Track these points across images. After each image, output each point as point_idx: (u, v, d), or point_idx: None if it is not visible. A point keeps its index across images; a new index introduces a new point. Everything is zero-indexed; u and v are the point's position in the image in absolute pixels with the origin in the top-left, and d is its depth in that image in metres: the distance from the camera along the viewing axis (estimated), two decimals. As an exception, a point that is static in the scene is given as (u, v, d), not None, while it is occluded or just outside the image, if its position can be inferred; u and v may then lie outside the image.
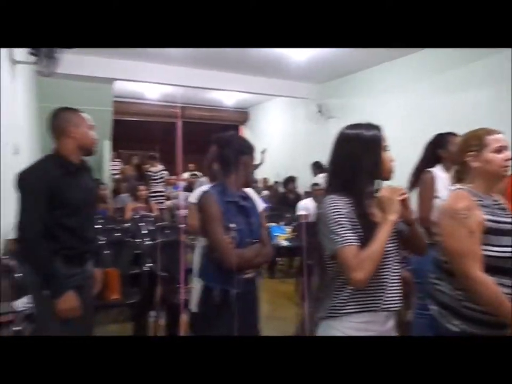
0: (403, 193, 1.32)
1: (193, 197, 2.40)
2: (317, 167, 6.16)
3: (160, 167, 6.86)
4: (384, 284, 1.32)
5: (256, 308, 1.89)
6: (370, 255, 1.23)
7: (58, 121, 1.95)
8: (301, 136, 8.00)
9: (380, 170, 1.35)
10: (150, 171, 6.77)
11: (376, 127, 1.39)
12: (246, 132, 10.73)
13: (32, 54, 3.38)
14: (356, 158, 1.34)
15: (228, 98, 9.15)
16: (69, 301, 1.80)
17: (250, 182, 1.96)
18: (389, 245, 1.31)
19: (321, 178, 5.51)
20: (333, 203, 1.31)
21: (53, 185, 1.82)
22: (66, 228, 1.89)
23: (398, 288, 1.34)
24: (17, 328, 1.88)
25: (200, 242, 2.35)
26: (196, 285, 2.33)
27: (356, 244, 1.26)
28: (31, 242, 1.80)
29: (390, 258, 1.34)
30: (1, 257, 2.78)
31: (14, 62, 3.54)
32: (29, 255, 1.83)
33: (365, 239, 1.27)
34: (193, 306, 2.34)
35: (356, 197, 1.32)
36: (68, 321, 1.82)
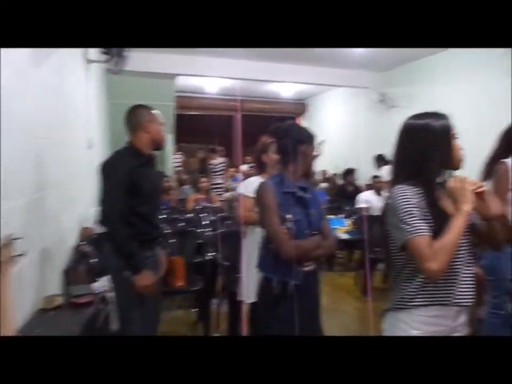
0: (480, 186, 1.26)
1: (243, 188, 2.44)
2: (380, 160, 6.01)
3: (220, 159, 7.03)
4: (456, 277, 1.28)
5: (316, 301, 1.86)
6: (445, 245, 1.20)
7: (135, 117, 2.10)
8: (361, 127, 7.79)
9: (451, 160, 1.31)
10: (211, 163, 6.96)
11: (444, 116, 1.35)
12: (304, 124, 10.66)
13: (104, 53, 3.59)
14: (425, 148, 1.30)
15: (286, 90, 9.11)
16: (147, 278, 1.97)
17: (311, 172, 1.92)
18: (462, 238, 1.26)
19: (382, 171, 5.38)
20: (402, 193, 1.28)
21: (131, 175, 1.97)
22: (140, 215, 2.03)
23: (470, 282, 1.29)
24: (96, 309, 2.02)
25: (252, 233, 2.39)
26: (248, 275, 2.38)
27: (428, 234, 1.22)
28: (114, 226, 1.95)
29: (463, 251, 1.29)
30: (79, 244, 3.00)
31: (88, 61, 3.78)
32: (112, 237, 1.99)
33: (436, 229, 1.23)
34: (245, 296, 2.40)
35: (426, 186, 1.29)
36: (143, 301, 1.98)
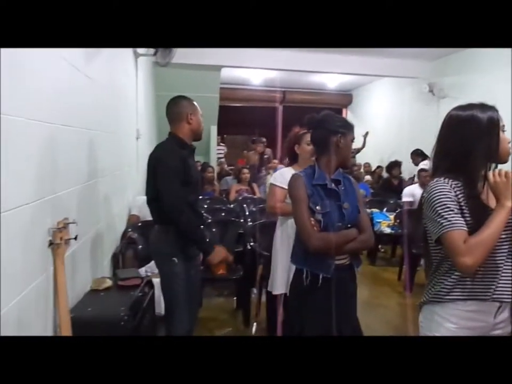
0: None
1: (274, 179, 2.43)
2: (417, 155, 5.89)
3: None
4: (497, 272, 1.25)
5: (351, 295, 1.81)
6: (482, 240, 1.17)
7: (178, 108, 2.15)
8: (408, 119, 7.53)
9: (496, 153, 1.26)
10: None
11: (491, 108, 1.29)
12: (348, 115, 10.45)
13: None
14: (468, 140, 1.27)
15: (331, 81, 8.96)
16: (220, 253, 2.13)
17: (348, 164, 1.84)
18: (504, 233, 1.23)
19: (427, 164, 5.23)
20: (439, 186, 1.26)
21: (183, 165, 2.04)
22: (189, 203, 2.08)
23: (511, 278, 1.26)
24: (141, 292, 2.13)
25: (283, 224, 2.40)
26: (278, 267, 2.40)
27: (464, 228, 1.20)
28: (184, 215, 2.01)
29: (504, 247, 1.25)
30: (127, 230, 3.15)
31: (137, 55, 3.92)
32: (184, 226, 2.03)
33: (475, 224, 1.21)
34: (274, 287, 2.42)
35: (467, 179, 1.25)
36: (188, 285, 2.09)
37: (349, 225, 1.72)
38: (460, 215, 1.22)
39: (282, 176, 2.31)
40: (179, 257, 2.08)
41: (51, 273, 1.61)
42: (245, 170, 5.64)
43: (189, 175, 2.07)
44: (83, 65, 2.06)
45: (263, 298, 3.06)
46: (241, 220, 3.99)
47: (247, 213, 4.37)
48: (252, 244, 3.33)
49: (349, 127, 1.77)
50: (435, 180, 1.29)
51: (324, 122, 1.76)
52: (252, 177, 5.60)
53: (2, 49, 1.20)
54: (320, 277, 1.67)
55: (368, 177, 7.50)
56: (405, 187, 4.98)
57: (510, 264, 1.26)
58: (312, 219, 1.66)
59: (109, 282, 2.11)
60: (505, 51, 5.22)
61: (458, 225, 1.20)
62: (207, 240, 2.13)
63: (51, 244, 1.57)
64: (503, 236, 1.23)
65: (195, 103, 2.22)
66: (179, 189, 2.00)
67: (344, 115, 10.46)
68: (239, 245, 3.48)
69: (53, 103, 1.64)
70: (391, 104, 8.38)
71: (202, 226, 2.29)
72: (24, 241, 1.40)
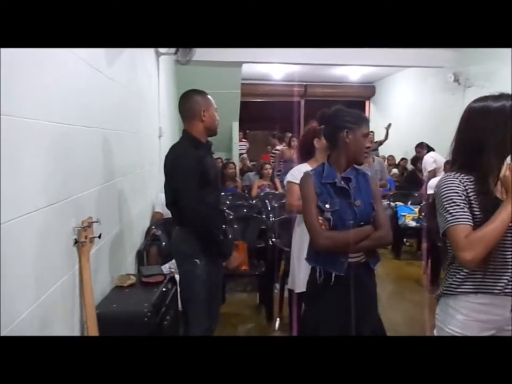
0: None
1: (290, 176, 2.39)
2: (422, 147, 5.81)
3: (281, 146, 7.03)
4: (506, 266, 1.24)
5: (367, 294, 1.75)
6: (484, 235, 1.17)
7: (190, 104, 2.05)
8: (432, 109, 7.35)
9: (510, 146, 1.22)
10: (274, 151, 6.98)
11: (507, 97, 1.25)
12: (372, 108, 10.28)
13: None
14: (483, 133, 1.25)
15: (354, 73, 8.83)
16: (236, 259, 2.21)
17: (360, 159, 1.75)
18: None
19: (425, 159, 5.20)
20: (448, 181, 1.27)
21: (201, 166, 1.98)
22: (210, 203, 2.05)
23: None
24: (164, 288, 2.17)
25: (301, 222, 2.37)
26: (297, 264, 2.38)
27: (468, 223, 1.20)
28: (205, 219, 1.99)
29: None
30: (150, 227, 3.21)
31: (159, 54, 3.97)
32: (203, 227, 2.01)
33: (485, 219, 1.20)
34: (294, 285, 2.41)
35: (479, 174, 1.24)
36: (207, 286, 2.06)
37: (361, 223, 1.68)
38: (466, 210, 1.22)
39: (300, 172, 2.29)
40: (201, 258, 2.04)
41: (77, 271, 1.66)
42: (267, 166, 5.65)
43: (207, 175, 2.01)
44: (104, 66, 2.10)
45: (286, 293, 3.06)
46: (263, 216, 4.00)
47: (269, 209, 4.38)
48: (273, 239, 3.33)
49: (359, 122, 1.70)
50: (446, 175, 1.31)
51: (332, 118, 1.73)
52: (257, 169, 5.58)
53: (22, 51, 1.24)
54: (333, 275, 1.65)
55: (395, 170, 7.37)
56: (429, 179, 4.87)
57: None
58: (320, 218, 1.64)
59: (133, 279, 2.16)
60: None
61: (462, 220, 1.21)
62: (226, 244, 2.13)
63: (76, 242, 1.62)
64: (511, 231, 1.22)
65: (209, 96, 2.12)
66: (197, 192, 1.95)
67: (367, 107, 10.30)
68: (261, 240, 3.50)
69: (73, 105, 1.69)
70: (415, 95, 8.19)
71: (224, 226, 2.25)
72: (50, 241, 1.45)
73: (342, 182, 1.69)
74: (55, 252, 1.49)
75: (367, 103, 10.34)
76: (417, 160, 6.24)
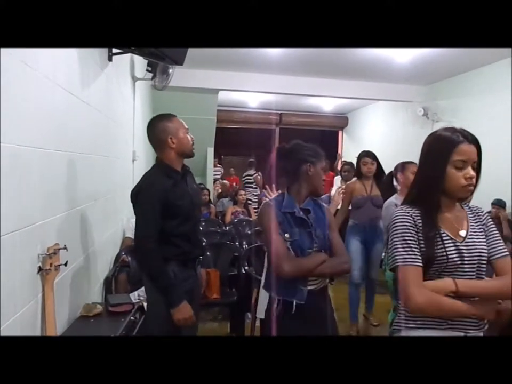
0: None
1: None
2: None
3: (252, 171, 7.11)
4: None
5: (326, 321, 1.77)
6: (440, 306, 1.21)
7: (157, 133, 1.97)
8: (404, 142, 7.60)
9: (441, 183, 1.26)
10: (245, 176, 7.05)
11: (448, 134, 1.28)
12: (344, 138, 10.54)
13: (148, 71, 3.76)
14: (423, 168, 1.33)
15: (327, 104, 9.09)
16: (185, 311, 1.88)
17: (319, 191, 1.84)
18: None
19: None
20: (398, 216, 1.29)
21: (167, 197, 1.89)
22: (181, 235, 1.96)
23: None
24: (132, 318, 2.09)
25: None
26: (262, 292, 2.36)
27: (415, 264, 1.23)
28: (149, 254, 1.88)
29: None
30: (120, 253, 3.12)
31: (135, 79, 3.97)
32: (146, 266, 1.93)
33: (427, 251, 1.23)
34: (260, 313, 2.38)
35: (423, 208, 1.28)
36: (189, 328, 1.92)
37: (319, 250, 1.73)
38: (415, 248, 1.24)
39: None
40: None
41: (40, 300, 1.58)
42: (241, 192, 5.65)
43: (178, 205, 1.92)
44: (79, 90, 2.07)
45: (258, 323, 3.01)
46: (237, 243, 3.97)
47: (242, 236, 4.35)
48: (246, 267, 3.30)
49: (319, 156, 1.81)
50: (398, 208, 1.33)
51: (294, 152, 1.80)
52: (231, 195, 5.59)
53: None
54: (294, 303, 1.67)
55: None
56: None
57: None
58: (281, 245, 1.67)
59: (99, 308, 2.07)
60: (498, 75, 5.33)
61: (413, 260, 1.23)
62: (175, 289, 1.88)
63: (40, 270, 1.55)
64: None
65: (177, 119, 2.02)
66: (153, 224, 1.86)
67: (339, 137, 10.57)
68: (234, 268, 3.46)
69: (46, 129, 1.65)
70: (387, 127, 8.48)
71: (198, 259, 2.15)
72: (13, 268, 1.38)
73: (301, 213, 1.74)
74: (17, 280, 1.42)
75: (340, 133, 10.61)
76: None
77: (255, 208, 6.16)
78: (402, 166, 3.14)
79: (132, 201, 1.99)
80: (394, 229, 1.28)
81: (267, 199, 2.43)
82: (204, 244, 3.51)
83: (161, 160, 2.02)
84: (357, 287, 3.59)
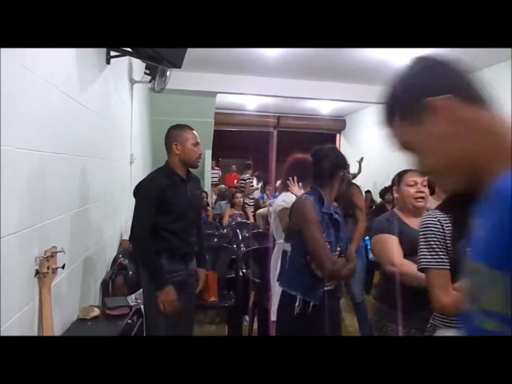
0: None
1: (282, 203, 2.43)
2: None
3: (248, 175, 7.12)
4: None
5: (337, 322, 1.84)
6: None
7: (168, 139, 2.21)
8: (400, 145, 7.63)
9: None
10: (243, 179, 7.05)
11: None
12: (342, 140, 10.56)
13: (146, 73, 3.76)
14: None
15: (325, 106, 9.11)
16: (168, 294, 2.06)
17: (342, 197, 1.95)
18: None
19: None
20: (427, 220, 1.33)
21: (163, 194, 2.08)
22: (172, 231, 2.13)
23: None
24: (129, 321, 2.08)
25: (279, 248, 2.38)
26: (276, 293, 2.37)
27: (442, 267, 1.26)
28: (140, 242, 2.11)
29: None
30: (118, 256, 3.11)
31: (133, 81, 3.97)
32: (138, 253, 2.17)
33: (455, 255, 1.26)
34: (273, 313, 2.39)
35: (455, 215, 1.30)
36: (173, 314, 2.06)
37: (342, 255, 1.78)
38: (440, 251, 1.27)
39: (291, 199, 2.28)
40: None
41: (37, 303, 1.58)
42: (239, 195, 5.65)
43: (171, 204, 2.10)
44: (77, 93, 2.07)
45: (255, 325, 3.01)
46: (234, 246, 3.97)
47: (240, 238, 4.35)
48: (244, 270, 3.30)
49: (347, 163, 1.91)
50: (427, 213, 1.37)
51: (331, 155, 1.85)
52: (228, 198, 5.60)
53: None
54: (311, 304, 1.69)
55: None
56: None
57: None
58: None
59: (96, 311, 2.07)
60: (498, 78, 5.34)
61: (434, 263, 1.27)
62: (160, 275, 2.09)
63: (37, 273, 1.55)
64: None
65: (188, 131, 2.21)
66: (145, 218, 2.07)
67: (337, 140, 10.59)
68: (231, 271, 3.45)
69: (44, 132, 1.65)
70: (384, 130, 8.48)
71: (193, 254, 2.31)
72: (10, 271, 1.38)
73: (336, 215, 1.78)
74: (14, 283, 1.41)
75: (337, 135, 10.63)
76: (385, 193, 6.40)
77: (252, 211, 6.18)
78: (398, 179, 3.11)
79: (133, 196, 2.20)
80: (421, 233, 1.32)
81: (293, 195, 2.39)
82: (197, 244, 3.53)
83: (167, 163, 2.22)
84: None
